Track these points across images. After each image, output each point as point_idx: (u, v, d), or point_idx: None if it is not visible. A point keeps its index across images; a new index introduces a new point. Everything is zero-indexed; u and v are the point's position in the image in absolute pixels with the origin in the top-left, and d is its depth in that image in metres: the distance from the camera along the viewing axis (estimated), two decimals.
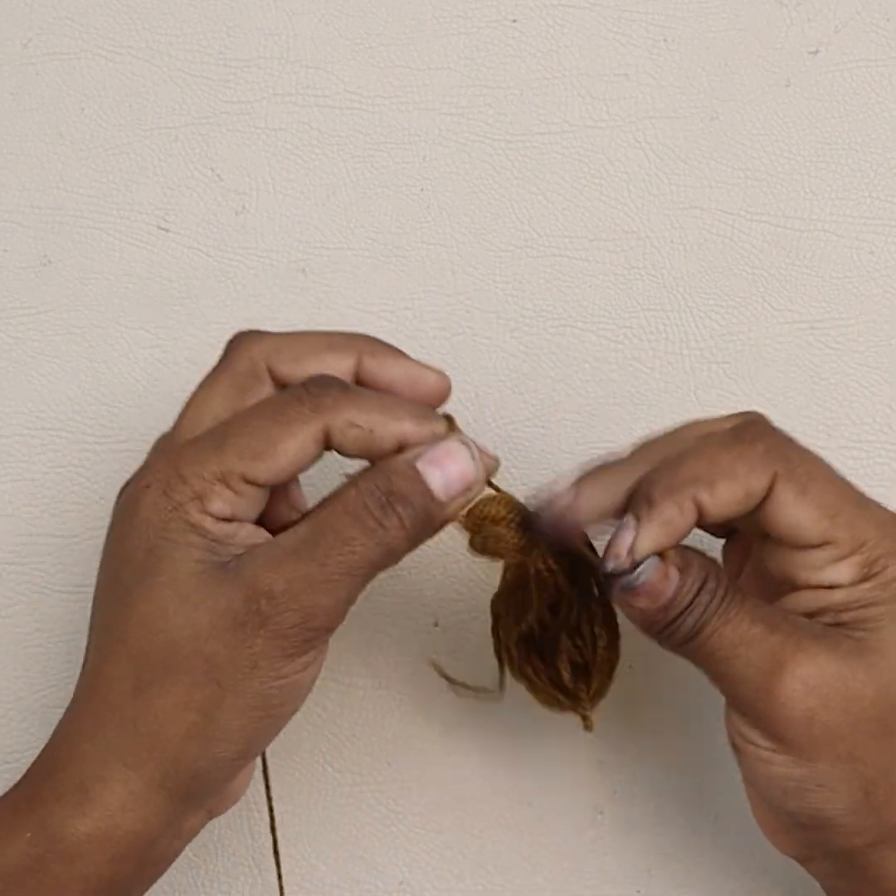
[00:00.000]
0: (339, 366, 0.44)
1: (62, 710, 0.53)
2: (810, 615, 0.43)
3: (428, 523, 0.43)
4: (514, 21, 0.59)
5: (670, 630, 0.43)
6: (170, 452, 0.43)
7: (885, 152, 0.57)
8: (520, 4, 0.59)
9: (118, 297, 0.57)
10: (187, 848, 0.53)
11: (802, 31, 0.58)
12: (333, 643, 0.54)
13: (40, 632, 0.54)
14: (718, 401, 0.56)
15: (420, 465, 0.42)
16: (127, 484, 0.44)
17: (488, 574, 0.54)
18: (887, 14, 0.58)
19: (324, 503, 0.43)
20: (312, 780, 0.54)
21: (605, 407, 0.56)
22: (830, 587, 0.42)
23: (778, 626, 0.42)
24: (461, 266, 0.57)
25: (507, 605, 0.47)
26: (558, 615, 0.46)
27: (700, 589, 0.42)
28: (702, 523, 0.43)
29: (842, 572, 0.42)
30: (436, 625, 0.54)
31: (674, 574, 0.42)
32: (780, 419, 0.55)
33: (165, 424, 0.55)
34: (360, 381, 0.44)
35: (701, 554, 0.44)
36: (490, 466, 0.44)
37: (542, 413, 0.56)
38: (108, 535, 0.44)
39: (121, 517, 0.43)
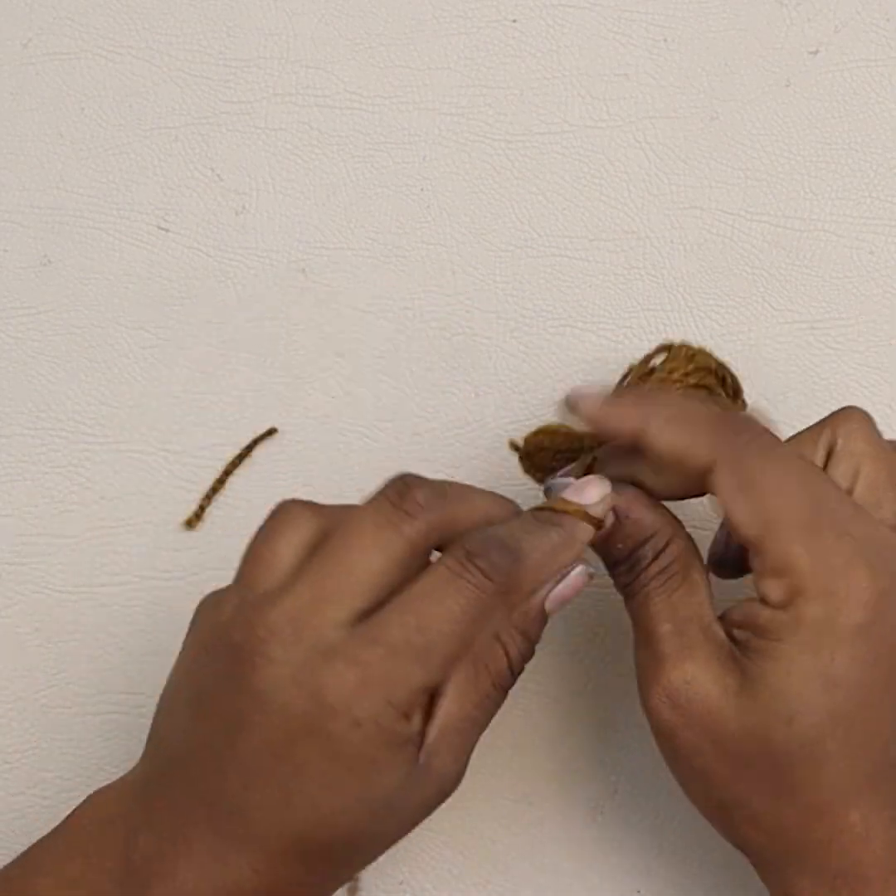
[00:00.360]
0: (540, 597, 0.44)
1: (62, 710, 0.54)
2: (739, 625, 0.42)
3: None
4: (514, 21, 0.59)
5: (613, 573, 0.44)
6: (368, 669, 0.40)
7: (885, 152, 0.57)
8: (520, 4, 0.59)
9: (118, 297, 0.57)
10: None
11: (802, 31, 0.58)
12: None
13: (40, 632, 0.54)
14: None
15: (549, 608, 0.43)
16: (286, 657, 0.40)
17: None
18: (887, 14, 0.58)
19: (476, 671, 0.42)
20: None
21: None
22: (762, 600, 0.41)
23: (685, 630, 0.42)
24: (461, 266, 0.57)
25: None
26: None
27: (638, 546, 0.43)
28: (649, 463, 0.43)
29: (770, 589, 0.41)
30: None
31: (609, 517, 0.43)
32: (780, 419, 0.55)
33: (165, 424, 0.56)
34: None
35: (666, 519, 0.44)
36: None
37: (542, 413, 0.56)
38: (294, 740, 0.41)
39: (312, 732, 0.40)
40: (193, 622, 0.43)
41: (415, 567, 0.42)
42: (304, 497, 0.45)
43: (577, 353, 0.56)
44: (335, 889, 0.44)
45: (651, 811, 0.53)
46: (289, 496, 0.44)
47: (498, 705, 0.43)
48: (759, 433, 0.43)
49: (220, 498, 0.55)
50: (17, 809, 0.52)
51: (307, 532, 0.42)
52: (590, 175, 0.58)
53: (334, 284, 0.57)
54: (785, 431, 0.56)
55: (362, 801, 0.40)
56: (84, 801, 0.43)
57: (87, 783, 0.54)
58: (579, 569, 0.43)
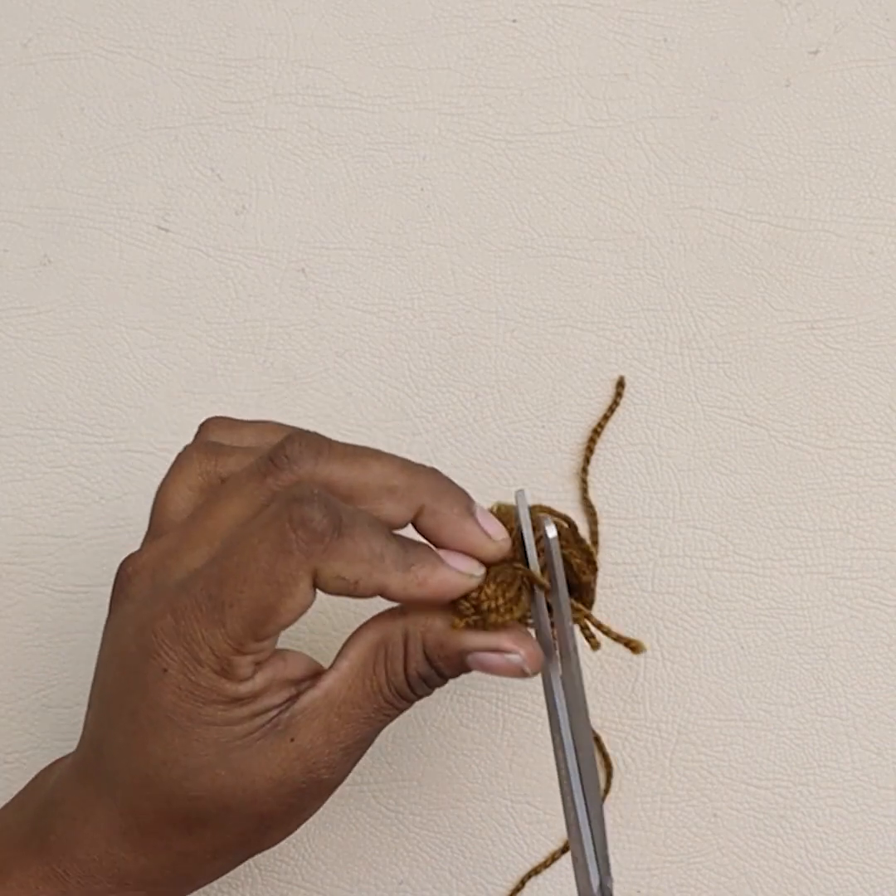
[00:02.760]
0: (395, 513, 0.42)
1: (62, 710, 0.54)
2: None
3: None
4: (514, 21, 0.59)
5: None
6: (179, 618, 0.40)
7: (885, 152, 0.57)
8: (520, 4, 0.59)
9: (118, 297, 0.57)
10: None
11: (802, 31, 0.58)
12: (334, 643, 0.54)
13: (40, 632, 0.54)
14: (718, 401, 0.56)
15: (469, 661, 0.42)
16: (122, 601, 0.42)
17: None
18: (887, 14, 0.58)
19: (375, 662, 0.42)
20: None
21: (604, 407, 0.56)
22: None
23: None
24: (461, 266, 0.57)
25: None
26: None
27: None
28: None
29: None
30: None
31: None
32: (780, 419, 0.56)
33: (165, 424, 0.56)
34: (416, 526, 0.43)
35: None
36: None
37: (542, 413, 0.56)
38: (133, 696, 0.42)
39: (141, 688, 0.41)
40: None
41: None
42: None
43: (577, 353, 0.56)
44: (232, 862, 0.44)
45: (651, 810, 0.53)
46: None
47: (390, 712, 0.43)
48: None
49: None
50: None
51: (198, 480, 0.43)
52: (590, 175, 0.58)
53: (334, 284, 0.57)
54: (786, 431, 0.56)
55: (188, 756, 0.40)
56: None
57: None
58: (514, 659, 0.42)
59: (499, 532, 0.43)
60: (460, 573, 0.42)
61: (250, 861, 0.53)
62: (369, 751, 0.54)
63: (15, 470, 0.56)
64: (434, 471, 0.43)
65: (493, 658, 0.42)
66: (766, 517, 0.55)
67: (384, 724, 0.43)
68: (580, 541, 0.44)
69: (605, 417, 0.55)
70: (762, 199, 0.57)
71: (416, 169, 0.58)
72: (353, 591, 0.41)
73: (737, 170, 0.57)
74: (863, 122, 0.57)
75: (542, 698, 0.54)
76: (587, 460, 0.55)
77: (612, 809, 0.53)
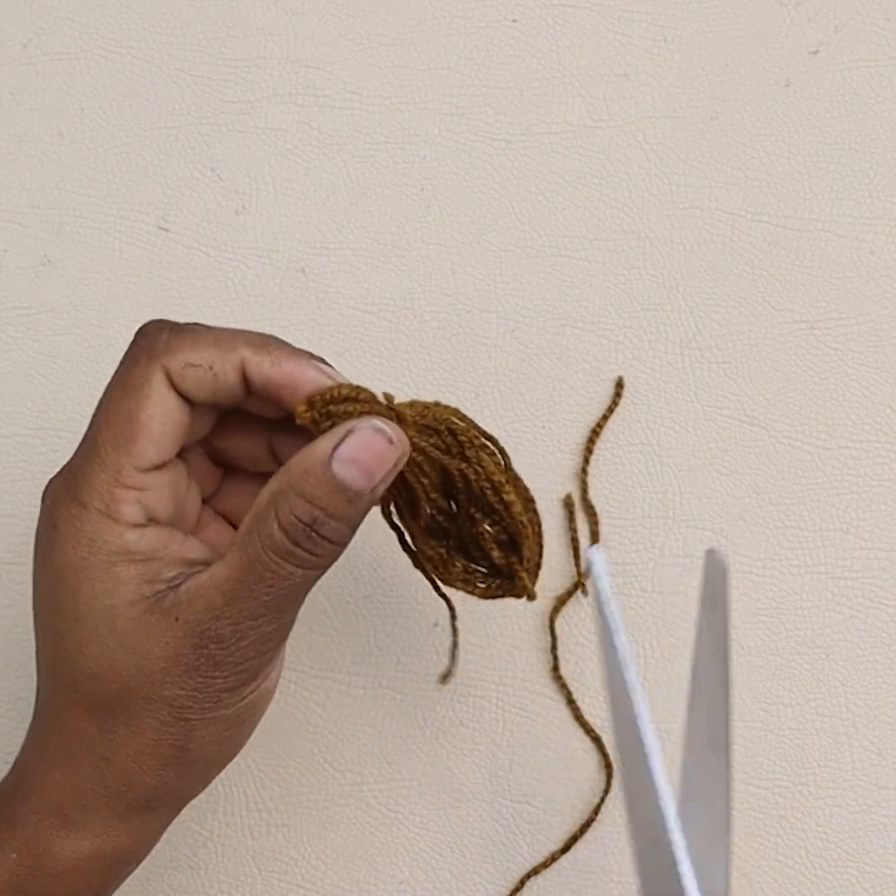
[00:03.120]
0: (225, 361, 0.41)
1: None
2: None
3: (357, 520, 0.41)
4: (514, 21, 0.59)
5: None
6: (67, 473, 0.41)
7: (885, 152, 0.57)
8: (520, 4, 0.59)
9: (118, 297, 0.57)
10: (187, 848, 0.53)
11: (802, 31, 0.58)
12: (333, 643, 0.54)
13: None
14: (718, 401, 0.56)
15: (336, 469, 0.40)
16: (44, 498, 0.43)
17: None
18: (887, 14, 0.58)
19: (250, 533, 0.41)
20: (312, 780, 0.54)
21: (604, 407, 0.56)
22: None
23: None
24: (461, 266, 0.57)
25: (397, 508, 0.45)
26: (455, 497, 0.44)
27: None
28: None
29: None
30: (436, 625, 0.54)
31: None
32: (780, 419, 0.56)
33: None
34: (247, 379, 0.42)
35: None
36: (404, 445, 0.42)
37: (542, 413, 0.56)
38: (35, 565, 0.43)
39: (40, 555, 0.42)
40: None
41: None
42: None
43: (577, 353, 0.56)
44: (165, 777, 0.42)
45: None
46: None
47: (283, 577, 0.40)
48: None
49: None
50: None
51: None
52: (590, 175, 0.58)
53: (334, 284, 0.57)
54: (785, 431, 0.56)
55: (79, 622, 0.40)
56: None
57: None
58: (367, 424, 0.41)
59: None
60: (315, 365, 0.41)
61: (250, 861, 0.53)
62: (369, 751, 0.54)
63: (15, 470, 0.56)
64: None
65: (348, 446, 0.40)
66: (766, 517, 0.55)
67: (286, 593, 0.41)
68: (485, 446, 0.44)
69: (605, 417, 0.55)
70: (762, 199, 0.57)
71: (416, 169, 0.58)
72: (213, 380, 0.40)
73: (737, 170, 0.57)
74: (863, 122, 0.57)
75: (542, 698, 0.54)
76: (587, 460, 0.55)
77: (612, 810, 0.53)
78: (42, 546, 0.41)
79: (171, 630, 0.40)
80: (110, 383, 0.42)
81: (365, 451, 0.40)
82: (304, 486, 0.40)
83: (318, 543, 0.40)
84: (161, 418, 0.40)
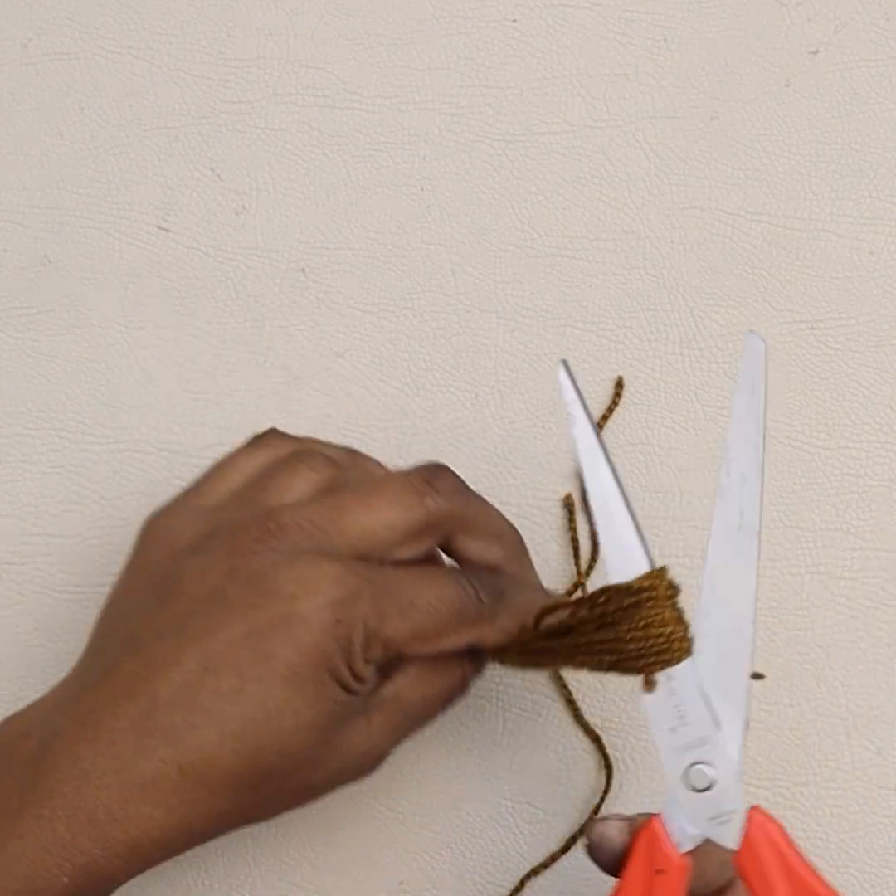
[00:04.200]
0: (495, 560, 0.46)
1: None
2: None
3: None
4: (514, 21, 0.59)
5: None
6: (369, 586, 0.41)
7: (885, 152, 0.57)
8: (520, 4, 0.59)
9: (118, 297, 0.57)
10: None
11: (802, 31, 0.58)
12: None
13: (40, 632, 0.54)
14: (718, 401, 0.56)
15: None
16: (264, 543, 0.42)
17: None
18: (887, 14, 0.58)
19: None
20: None
21: (604, 407, 0.56)
22: None
23: None
24: (461, 266, 0.57)
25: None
26: None
27: None
28: None
29: None
30: None
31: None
32: (781, 419, 0.56)
33: (165, 424, 0.56)
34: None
35: None
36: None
37: (542, 413, 0.56)
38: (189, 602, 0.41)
39: (291, 617, 0.40)
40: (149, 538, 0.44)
41: (420, 545, 0.44)
42: None
43: (577, 353, 0.56)
44: (251, 821, 0.43)
45: (651, 811, 0.53)
46: None
47: (433, 715, 0.45)
48: None
49: None
50: None
51: (326, 473, 0.44)
52: (590, 175, 0.58)
53: (334, 284, 0.57)
54: (786, 431, 0.56)
55: (309, 708, 0.40)
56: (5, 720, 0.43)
57: None
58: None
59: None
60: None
61: (251, 861, 0.53)
62: None
63: (15, 470, 0.56)
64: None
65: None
66: (766, 517, 0.55)
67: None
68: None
69: (604, 417, 0.55)
70: (762, 199, 0.57)
71: (416, 169, 0.58)
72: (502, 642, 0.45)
73: (737, 170, 0.57)
74: (863, 122, 0.57)
75: (542, 698, 0.54)
76: None
77: (612, 810, 0.53)
78: (307, 616, 0.40)
79: (362, 732, 0.43)
80: (448, 587, 0.44)
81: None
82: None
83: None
84: (445, 650, 0.45)
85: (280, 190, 0.58)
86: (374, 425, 0.56)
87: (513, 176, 0.58)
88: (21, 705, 0.54)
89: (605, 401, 0.56)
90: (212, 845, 0.53)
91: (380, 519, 0.42)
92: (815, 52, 0.58)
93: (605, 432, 0.55)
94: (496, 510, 0.47)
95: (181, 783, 0.39)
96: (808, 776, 0.53)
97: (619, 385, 0.56)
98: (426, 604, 0.42)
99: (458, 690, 0.45)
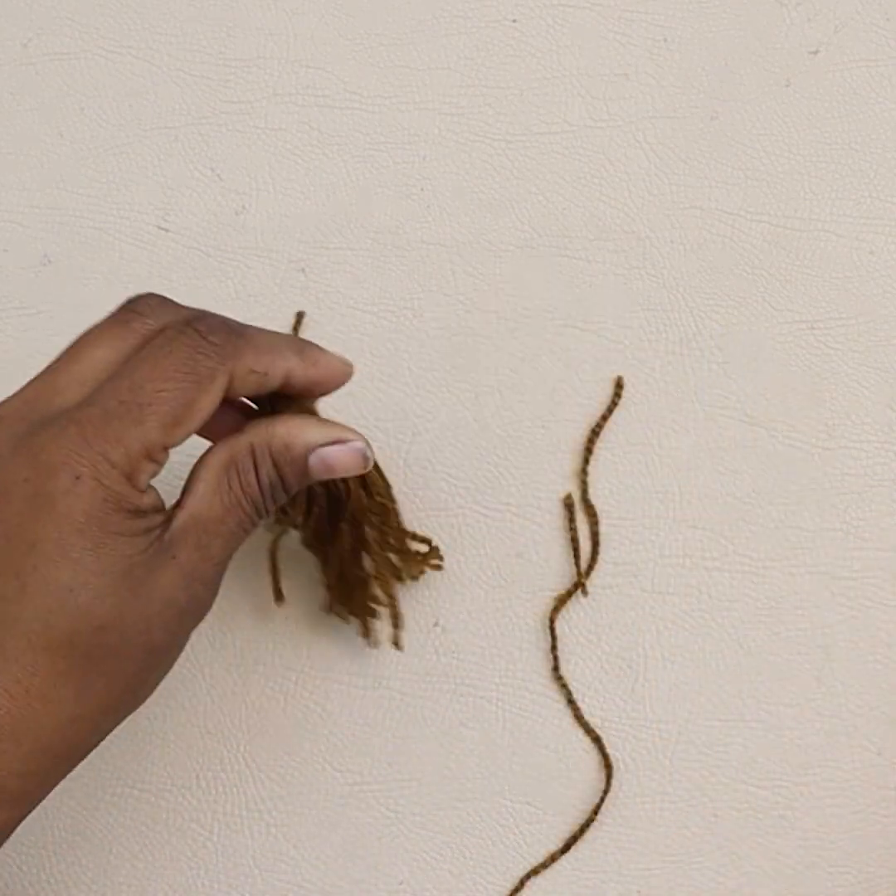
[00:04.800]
0: (277, 368, 0.44)
1: None
2: None
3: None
4: (514, 21, 0.59)
5: None
6: (86, 426, 0.41)
7: (885, 152, 0.57)
8: (520, 4, 0.59)
9: (118, 297, 0.57)
10: (188, 847, 0.53)
11: (802, 31, 0.58)
12: (333, 643, 0.54)
13: None
14: (718, 401, 0.56)
15: (312, 462, 0.44)
16: (24, 447, 0.41)
17: (489, 575, 0.54)
18: (887, 14, 0.58)
19: (228, 476, 0.43)
20: (312, 780, 0.54)
21: (604, 407, 0.56)
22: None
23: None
24: (461, 266, 0.57)
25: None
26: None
27: None
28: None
29: None
30: (436, 625, 0.54)
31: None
32: (781, 419, 0.56)
33: None
34: (287, 381, 0.45)
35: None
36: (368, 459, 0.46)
37: (542, 413, 0.56)
38: (27, 507, 0.41)
39: (46, 501, 0.40)
40: None
41: None
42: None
43: (577, 353, 0.56)
44: (107, 728, 0.42)
45: (651, 810, 0.53)
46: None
47: (250, 524, 0.44)
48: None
49: None
50: None
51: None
52: (590, 175, 0.58)
53: (334, 284, 0.57)
54: (785, 431, 0.56)
55: (99, 575, 0.40)
56: None
57: (86, 781, 0.54)
58: (356, 445, 0.45)
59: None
60: (343, 360, 0.45)
61: (251, 861, 0.53)
62: (369, 751, 0.54)
63: None
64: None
65: (335, 450, 0.44)
66: (766, 517, 0.55)
67: (245, 537, 0.44)
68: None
69: (604, 417, 0.55)
70: (762, 199, 0.57)
71: (416, 169, 0.58)
72: (264, 382, 0.43)
73: (737, 170, 0.57)
74: (863, 122, 0.57)
75: (542, 698, 0.54)
76: (587, 460, 0.55)
77: (613, 809, 0.53)
78: (51, 499, 0.40)
79: (170, 570, 0.41)
80: (164, 359, 0.42)
81: (340, 463, 0.45)
82: (281, 458, 0.44)
83: (279, 500, 0.44)
84: (208, 409, 0.42)
85: (280, 190, 0.58)
86: (374, 425, 0.56)
87: (513, 176, 0.58)
88: None
89: (606, 401, 0.56)
90: (212, 845, 0.53)
91: (95, 359, 0.42)
92: (815, 52, 0.58)
93: (605, 432, 0.56)
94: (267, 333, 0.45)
95: (16, 699, 0.40)
96: (808, 776, 0.53)
97: (619, 385, 0.56)
98: (153, 391, 0.41)
99: (257, 492, 0.44)
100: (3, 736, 0.40)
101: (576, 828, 0.53)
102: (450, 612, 0.54)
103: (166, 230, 0.58)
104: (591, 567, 0.54)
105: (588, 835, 0.53)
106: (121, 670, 0.41)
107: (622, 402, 0.56)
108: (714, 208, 0.57)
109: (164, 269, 0.57)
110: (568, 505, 0.55)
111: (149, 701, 0.43)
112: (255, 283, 0.57)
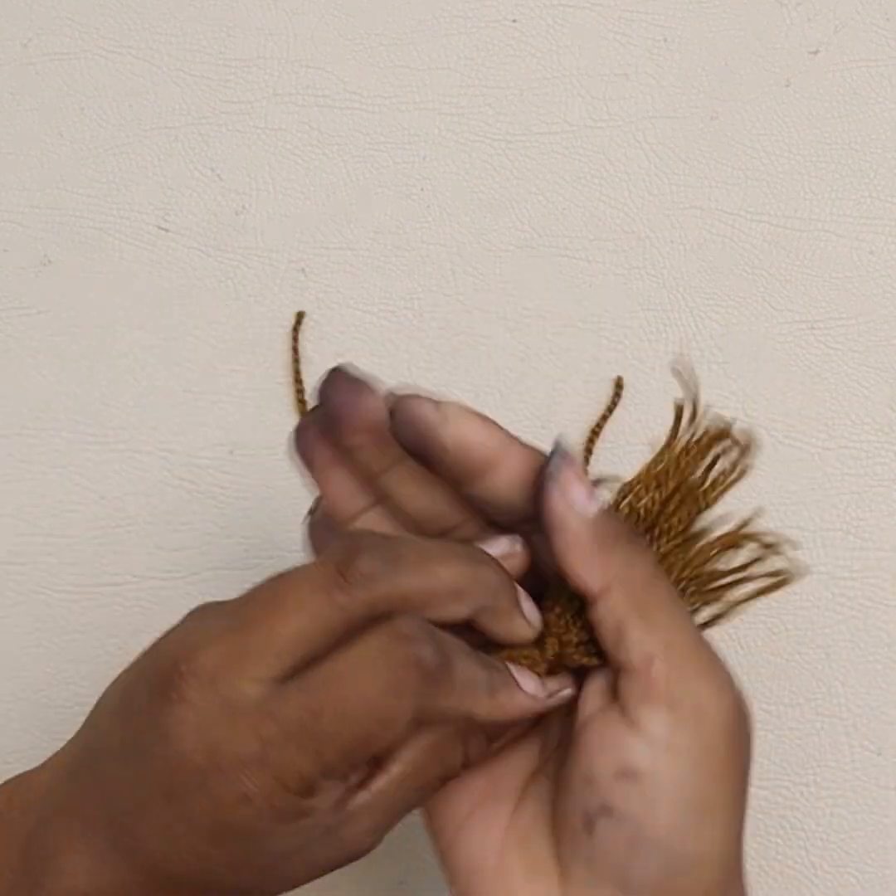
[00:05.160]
0: (459, 615, 0.40)
1: (62, 710, 0.53)
2: None
3: None
4: (514, 21, 0.59)
5: None
6: (267, 747, 0.37)
7: (885, 152, 0.57)
8: (520, 4, 0.59)
9: (118, 297, 0.57)
10: None
11: (802, 31, 0.58)
12: None
13: (40, 632, 0.54)
14: (718, 401, 0.56)
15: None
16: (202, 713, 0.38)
17: None
18: (887, 14, 0.58)
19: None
20: None
21: (604, 407, 0.56)
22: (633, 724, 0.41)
23: None
24: (461, 266, 0.57)
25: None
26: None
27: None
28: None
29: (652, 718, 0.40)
30: None
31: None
32: (780, 419, 0.56)
33: (166, 424, 0.56)
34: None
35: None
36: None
37: (542, 413, 0.56)
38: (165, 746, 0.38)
39: (205, 800, 0.38)
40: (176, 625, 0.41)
41: (349, 638, 0.38)
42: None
43: (577, 353, 0.56)
44: None
45: None
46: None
47: (436, 792, 0.41)
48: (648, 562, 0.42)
49: (219, 499, 0.55)
50: None
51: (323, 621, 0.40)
52: (590, 175, 0.58)
53: (334, 284, 0.57)
54: (785, 431, 0.56)
55: (247, 863, 0.39)
56: (12, 784, 0.42)
57: None
58: (565, 692, 0.41)
59: (536, 617, 0.42)
60: (530, 697, 0.41)
61: None
62: None
63: (15, 470, 0.56)
64: (489, 562, 0.41)
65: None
66: (766, 517, 0.55)
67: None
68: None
69: (604, 418, 0.55)
70: (762, 199, 0.57)
71: (416, 169, 0.58)
72: (444, 722, 0.40)
73: (737, 170, 0.57)
74: (863, 122, 0.57)
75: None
76: (587, 460, 0.55)
77: None
78: (215, 797, 0.38)
79: (332, 848, 0.40)
80: (362, 683, 0.38)
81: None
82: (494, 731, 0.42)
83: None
84: (390, 744, 0.39)
85: (280, 190, 0.58)
86: None
87: (513, 176, 0.58)
88: (20, 705, 0.54)
89: (606, 401, 0.56)
90: None
91: (291, 630, 0.38)
92: (815, 52, 0.58)
93: (606, 432, 0.55)
94: (448, 561, 0.40)
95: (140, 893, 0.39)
96: (808, 776, 0.53)
97: (619, 385, 0.56)
98: (361, 703, 0.37)
99: (458, 771, 0.41)
100: None
101: None
102: None
103: (166, 230, 0.58)
104: None
105: None
106: None
107: (622, 402, 0.56)
108: (714, 208, 0.57)
109: (164, 269, 0.57)
110: None
111: None
112: (255, 283, 0.57)
